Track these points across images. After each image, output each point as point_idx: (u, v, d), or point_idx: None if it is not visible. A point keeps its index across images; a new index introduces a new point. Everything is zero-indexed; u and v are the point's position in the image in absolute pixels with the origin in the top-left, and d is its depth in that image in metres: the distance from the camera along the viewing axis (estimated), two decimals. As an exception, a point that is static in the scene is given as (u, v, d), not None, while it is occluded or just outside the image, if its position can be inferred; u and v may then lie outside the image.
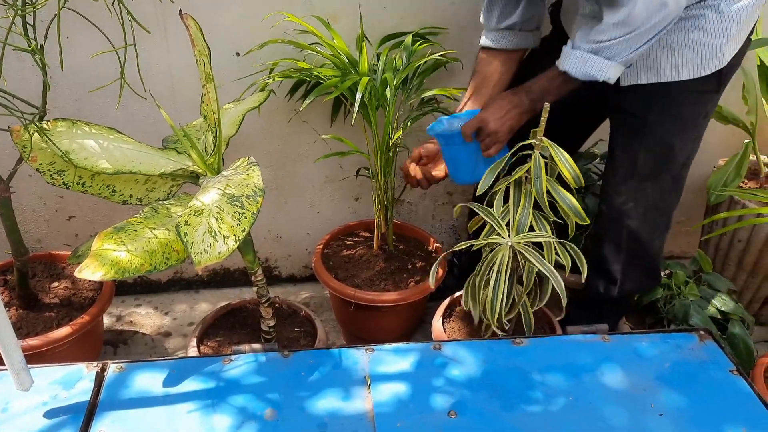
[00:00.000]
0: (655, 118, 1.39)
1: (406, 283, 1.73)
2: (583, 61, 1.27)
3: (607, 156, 1.54)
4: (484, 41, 1.52)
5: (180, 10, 1.10)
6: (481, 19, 1.52)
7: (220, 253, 0.98)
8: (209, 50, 1.20)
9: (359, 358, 1.21)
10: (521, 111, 1.37)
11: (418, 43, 1.63)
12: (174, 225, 1.14)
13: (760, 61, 1.85)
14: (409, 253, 1.86)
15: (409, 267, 1.80)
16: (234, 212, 1.03)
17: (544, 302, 1.42)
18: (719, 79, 1.36)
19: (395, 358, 1.21)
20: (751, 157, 1.91)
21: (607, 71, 1.26)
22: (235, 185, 1.09)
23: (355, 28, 1.65)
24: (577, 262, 1.35)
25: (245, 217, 1.03)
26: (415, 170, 1.54)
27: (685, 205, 2.16)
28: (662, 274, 1.73)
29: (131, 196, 1.30)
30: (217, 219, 1.01)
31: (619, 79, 1.36)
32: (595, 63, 1.26)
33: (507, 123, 1.37)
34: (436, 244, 1.88)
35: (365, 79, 1.43)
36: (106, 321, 1.96)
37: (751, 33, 1.37)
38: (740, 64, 1.42)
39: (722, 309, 1.59)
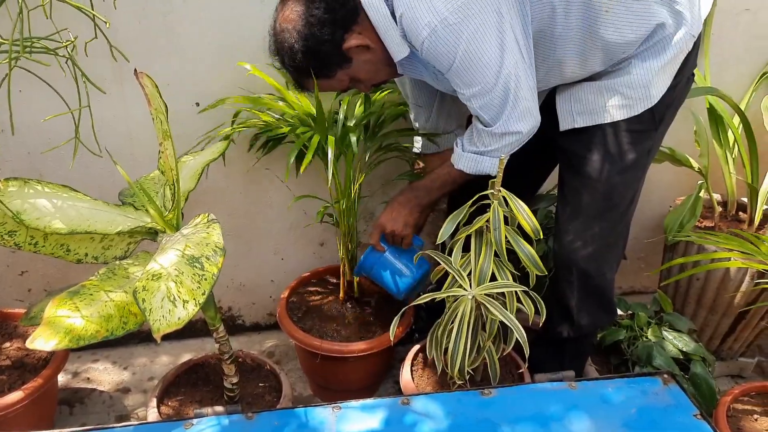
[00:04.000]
0: (596, 158, 1.44)
1: (373, 332, 1.71)
2: (475, 162, 1.44)
3: (557, 196, 1.57)
4: (415, 148, 1.73)
5: (135, 69, 1.09)
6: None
7: (179, 318, 0.95)
8: (166, 107, 1.18)
9: (326, 417, 1.18)
10: (410, 207, 1.54)
11: (379, 92, 1.64)
12: (132, 287, 1.11)
13: (710, 105, 1.92)
14: (376, 300, 1.84)
15: (376, 314, 1.79)
16: (194, 274, 1.01)
17: (510, 347, 1.42)
18: (653, 117, 1.42)
19: (363, 416, 1.19)
20: (705, 196, 1.96)
21: (497, 166, 1.41)
22: (194, 245, 1.07)
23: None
24: (539, 308, 1.35)
25: (205, 279, 1.01)
26: None
27: (645, 243, 2.22)
28: (624, 314, 1.76)
29: (87, 254, 1.26)
30: (176, 282, 0.99)
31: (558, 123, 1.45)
32: (485, 162, 1.43)
33: (401, 221, 1.54)
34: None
35: (332, 138, 1.43)
36: (62, 379, 1.88)
37: (686, 69, 1.42)
38: (680, 101, 1.48)
39: (684, 349, 1.61)
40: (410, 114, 1.67)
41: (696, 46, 1.41)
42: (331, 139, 1.42)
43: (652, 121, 1.42)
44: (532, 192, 1.83)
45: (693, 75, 1.48)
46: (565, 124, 1.45)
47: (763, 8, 1.94)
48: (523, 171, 1.52)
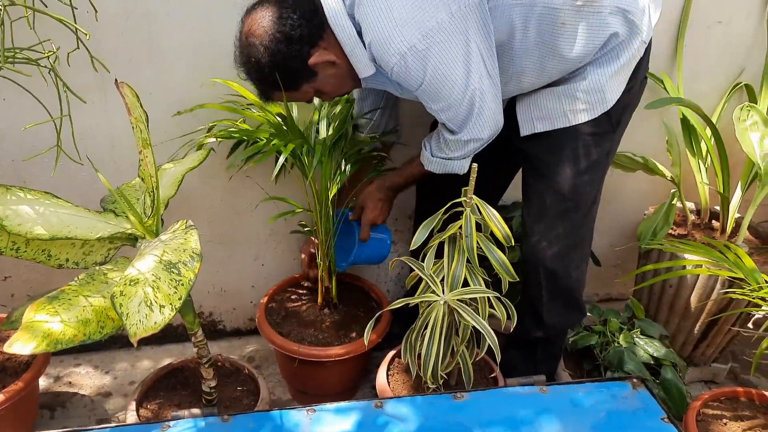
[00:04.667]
0: (557, 161, 1.49)
1: (350, 337, 1.74)
2: (443, 165, 1.52)
3: (522, 199, 1.62)
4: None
5: (116, 79, 1.12)
6: None
7: (156, 323, 0.98)
8: (146, 116, 1.21)
9: (300, 420, 1.21)
10: (390, 201, 1.70)
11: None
12: (110, 292, 1.13)
13: (683, 115, 1.97)
14: (353, 305, 1.87)
15: (354, 319, 1.81)
16: (171, 280, 1.03)
17: (483, 351, 1.45)
18: (610, 119, 1.47)
19: (337, 419, 1.22)
20: (678, 204, 2.00)
21: (465, 166, 1.51)
22: (172, 251, 1.09)
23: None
24: (510, 313, 1.39)
25: (182, 284, 1.03)
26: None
27: (619, 250, 2.26)
28: (597, 320, 1.79)
29: (67, 260, 1.28)
30: (153, 288, 1.01)
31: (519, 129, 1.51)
32: (454, 164, 1.51)
33: (385, 213, 1.70)
34: (380, 295, 1.90)
35: (309, 146, 1.46)
36: (44, 382, 1.90)
37: (639, 73, 1.48)
38: (635, 103, 1.54)
39: (655, 355, 1.65)
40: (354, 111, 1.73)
41: (647, 51, 1.47)
42: (308, 147, 1.45)
43: (610, 124, 1.47)
44: (496, 196, 1.88)
45: (646, 78, 1.55)
46: (525, 130, 1.50)
47: (735, 21, 1.99)
48: (486, 176, 1.56)
